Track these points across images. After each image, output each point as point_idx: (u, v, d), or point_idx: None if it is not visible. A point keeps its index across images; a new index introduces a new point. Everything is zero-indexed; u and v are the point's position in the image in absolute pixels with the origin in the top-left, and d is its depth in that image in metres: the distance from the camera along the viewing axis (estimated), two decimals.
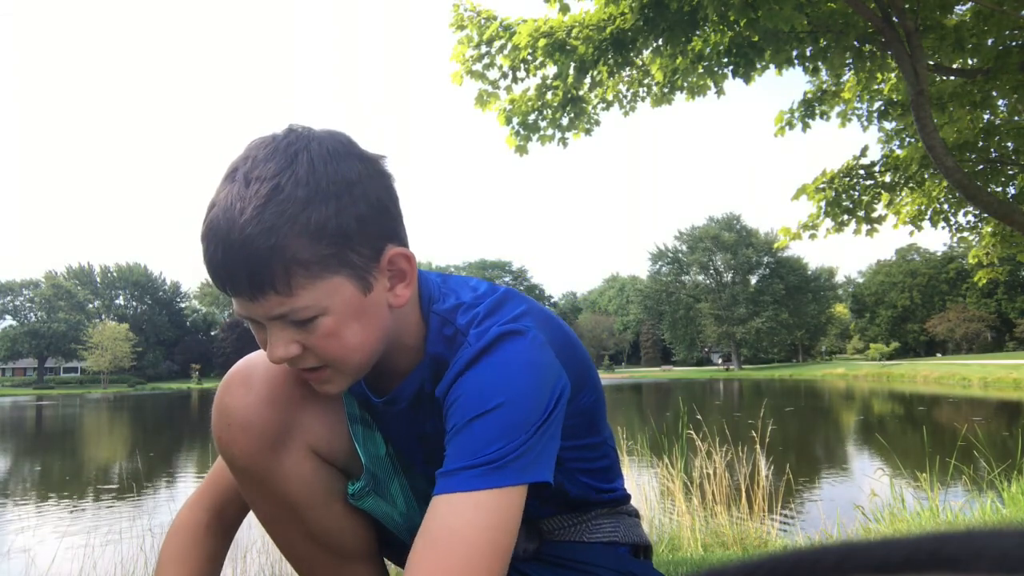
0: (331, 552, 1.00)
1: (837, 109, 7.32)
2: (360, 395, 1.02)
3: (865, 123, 7.56)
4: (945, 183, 7.14)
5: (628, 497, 1.14)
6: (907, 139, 7.60)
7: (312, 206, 0.75)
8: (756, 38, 5.26)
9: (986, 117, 6.93)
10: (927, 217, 8.06)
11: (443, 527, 0.76)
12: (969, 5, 5.72)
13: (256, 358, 0.94)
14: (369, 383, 1.00)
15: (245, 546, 3.65)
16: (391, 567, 1.16)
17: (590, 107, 6.34)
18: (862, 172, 7.52)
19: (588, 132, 6.48)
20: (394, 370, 0.95)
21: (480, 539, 0.75)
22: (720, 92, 6.23)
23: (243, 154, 0.80)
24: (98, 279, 76.45)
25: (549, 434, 0.83)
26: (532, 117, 6.20)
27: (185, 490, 8.13)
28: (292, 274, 0.76)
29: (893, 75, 6.64)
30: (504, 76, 5.93)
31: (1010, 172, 7.25)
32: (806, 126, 7.09)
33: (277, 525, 0.99)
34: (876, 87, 7.08)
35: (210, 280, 0.81)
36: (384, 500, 1.00)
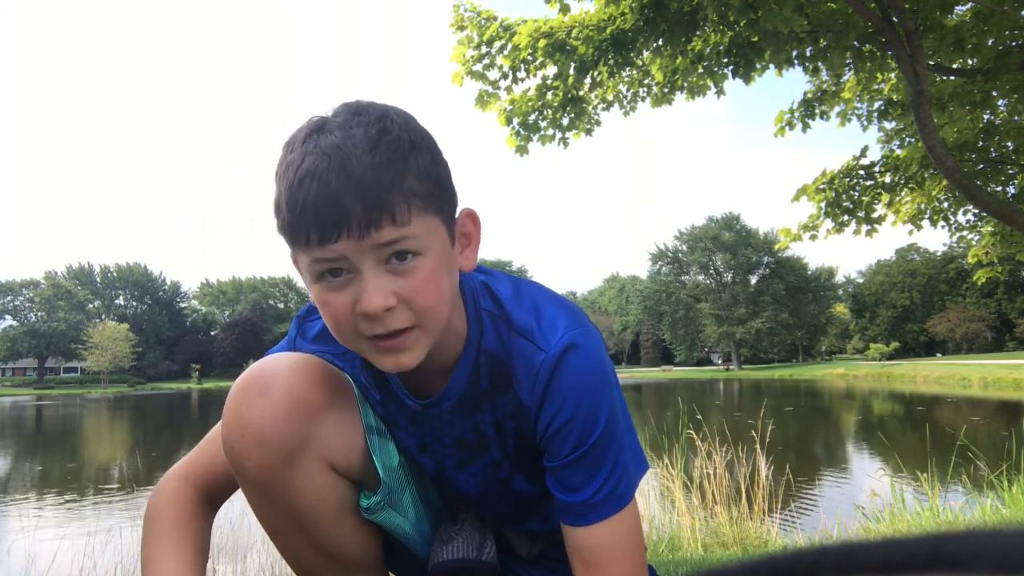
0: (338, 563, 0.98)
1: (837, 109, 7.32)
2: (395, 399, 0.99)
3: (865, 123, 7.57)
4: (945, 183, 7.14)
5: None
6: (907, 139, 7.60)
7: (416, 151, 0.78)
8: (756, 38, 5.25)
9: (986, 117, 6.92)
10: (926, 216, 8.06)
11: (604, 553, 0.90)
12: (969, 5, 5.72)
13: (274, 363, 0.90)
14: (405, 384, 0.98)
15: (245, 546, 3.65)
16: None
17: (590, 107, 6.34)
18: (862, 172, 7.51)
19: (588, 132, 6.48)
20: (434, 363, 0.92)
21: (632, 544, 0.92)
22: (720, 92, 6.23)
23: (314, 123, 0.79)
24: (98, 279, 76.41)
25: (630, 421, 0.97)
26: (532, 117, 6.19)
27: None
28: (410, 203, 0.76)
29: (893, 75, 6.64)
30: (504, 76, 5.93)
31: (1010, 172, 7.25)
32: (806, 126, 7.09)
33: (284, 537, 0.96)
34: (876, 87, 7.08)
35: (295, 231, 0.77)
36: (397, 512, 0.99)
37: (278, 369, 0.89)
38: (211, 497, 1.01)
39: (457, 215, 0.85)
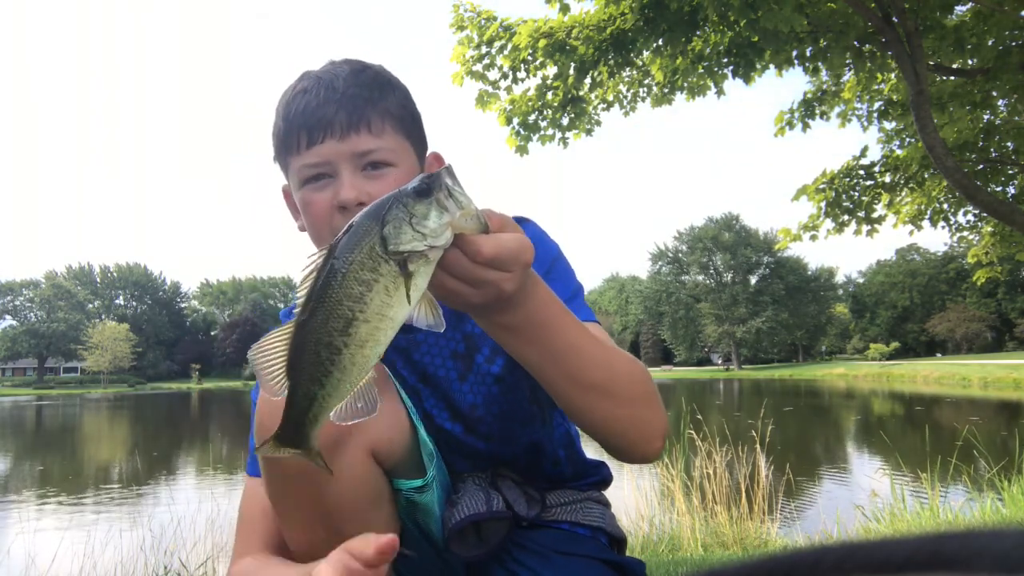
0: None
1: (837, 109, 7.33)
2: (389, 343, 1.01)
3: (865, 123, 7.57)
4: (945, 183, 7.14)
5: (611, 479, 1.18)
6: (907, 139, 7.60)
7: (393, 87, 0.98)
8: (756, 38, 5.26)
9: (986, 117, 6.92)
10: (927, 216, 8.06)
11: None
12: (969, 5, 5.72)
13: None
14: None
15: None
16: None
17: (590, 107, 6.34)
18: (862, 172, 7.52)
19: (589, 132, 6.48)
20: None
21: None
22: (720, 92, 6.23)
23: (306, 72, 0.99)
24: (98, 279, 76.41)
25: None
26: (532, 117, 6.20)
27: (185, 490, 8.11)
28: (384, 119, 0.94)
29: (893, 75, 6.64)
30: (504, 76, 5.93)
31: (1010, 172, 7.25)
32: (806, 126, 7.09)
33: (303, 528, 0.88)
34: (876, 87, 7.09)
35: (288, 136, 0.93)
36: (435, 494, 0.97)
37: None
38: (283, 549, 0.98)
39: (428, 155, 1.02)
